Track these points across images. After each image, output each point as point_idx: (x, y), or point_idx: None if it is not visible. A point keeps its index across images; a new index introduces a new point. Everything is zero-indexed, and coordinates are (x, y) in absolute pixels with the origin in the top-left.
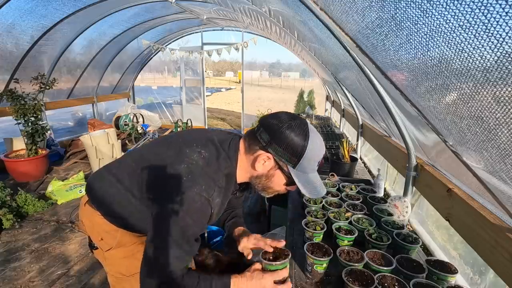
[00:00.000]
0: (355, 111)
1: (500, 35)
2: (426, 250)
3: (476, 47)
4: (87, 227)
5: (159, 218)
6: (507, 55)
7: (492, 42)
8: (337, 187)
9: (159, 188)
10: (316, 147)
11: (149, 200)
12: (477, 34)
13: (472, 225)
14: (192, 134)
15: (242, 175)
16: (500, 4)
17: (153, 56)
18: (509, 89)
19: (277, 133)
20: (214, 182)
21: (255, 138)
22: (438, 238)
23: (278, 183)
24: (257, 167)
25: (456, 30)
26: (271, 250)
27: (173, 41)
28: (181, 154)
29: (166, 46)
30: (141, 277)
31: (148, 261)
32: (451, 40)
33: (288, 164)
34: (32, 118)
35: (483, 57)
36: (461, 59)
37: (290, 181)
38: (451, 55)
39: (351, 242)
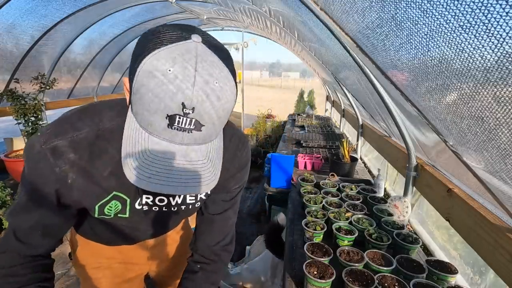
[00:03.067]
0: (355, 111)
1: (501, 35)
2: (426, 250)
3: (476, 47)
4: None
5: None
6: (507, 55)
7: (493, 42)
8: (337, 187)
9: None
10: (162, 67)
11: None
12: (477, 34)
13: (472, 225)
14: None
15: None
16: (500, 4)
17: None
18: (510, 89)
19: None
20: (69, 131)
21: None
22: (438, 238)
23: None
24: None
25: (456, 30)
26: None
27: None
28: None
29: None
30: None
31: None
32: (452, 40)
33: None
34: (33, 118)
35: (484, 57)
36: (461, 59)
37: None
38: (451, 55)
39: (351, 242)
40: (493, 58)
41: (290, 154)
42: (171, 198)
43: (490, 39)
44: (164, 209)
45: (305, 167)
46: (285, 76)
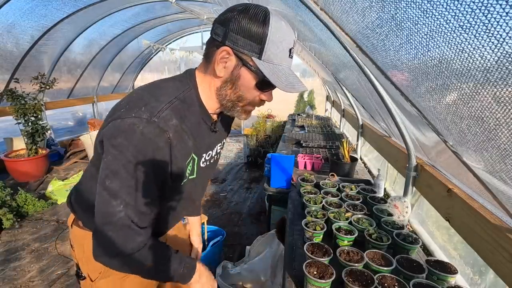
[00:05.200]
0: (355, 111)
1: (501, 35)
2: (426, 250)
3: (476, 47)
4: (77, 251)
5: (102, 171)
6: (507, 55)
7: (493, 42)
8: (337, 187)
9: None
10: (282, 29)
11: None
12: (477, 34)
13: (472, 225)
14: None
15: (210, 99)
16: (500, 4)
17: (153, 56)
18: (510, 89)
19: (231, 20)
20: (161, 102)
21: (211, 41)
22: (438, 238)
23: (248, 87)
24: (218, 71)
25: (456, 31)
26: None
27: (173, 41)
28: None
29: (166, 46)
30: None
31: (96, 229)
32: (452, 41)
33: (252, 54)
34: (32, 118)
35: (484, 57)
36: (461, 59)
37: (260, 79)
38: (451, 55)
39: (351, 242)
40: (493, 58)
41: (290, 154)
42: (214, 150)
43: (490, 39)
44: (210, 161)
45: (305, 167)
46: None
